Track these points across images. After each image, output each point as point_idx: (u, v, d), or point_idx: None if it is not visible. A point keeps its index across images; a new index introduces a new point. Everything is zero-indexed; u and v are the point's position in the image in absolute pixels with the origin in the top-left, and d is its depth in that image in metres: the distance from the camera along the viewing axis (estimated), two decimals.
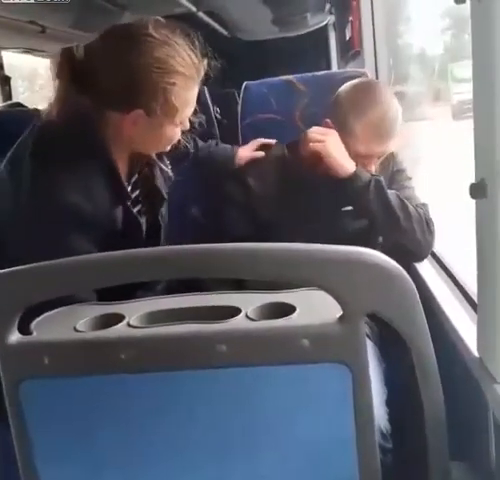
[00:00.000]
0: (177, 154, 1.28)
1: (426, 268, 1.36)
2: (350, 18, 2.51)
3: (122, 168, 1.14)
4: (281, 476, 0.73)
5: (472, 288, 1.14)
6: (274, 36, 3.51)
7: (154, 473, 0.74)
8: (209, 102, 1.67)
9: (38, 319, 0.78)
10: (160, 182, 1.24)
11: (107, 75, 1.04)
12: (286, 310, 0.74)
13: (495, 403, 0.80)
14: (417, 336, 0.70)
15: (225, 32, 3.34)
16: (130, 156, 1.17)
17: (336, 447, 0.72)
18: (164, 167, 1.26)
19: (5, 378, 0.71)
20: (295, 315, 0.72)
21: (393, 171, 1.40)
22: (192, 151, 1.44)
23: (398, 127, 1.28)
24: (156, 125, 1.08)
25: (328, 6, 3.20)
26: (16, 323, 0.70)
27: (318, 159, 1.22)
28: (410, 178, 1.40)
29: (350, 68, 2.71)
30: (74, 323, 0.75)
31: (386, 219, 1.22)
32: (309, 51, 3.83)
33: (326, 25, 3.67)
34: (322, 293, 0.68)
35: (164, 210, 1.25)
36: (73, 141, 1.04)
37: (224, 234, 1.33)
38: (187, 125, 1.14)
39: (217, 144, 1.53)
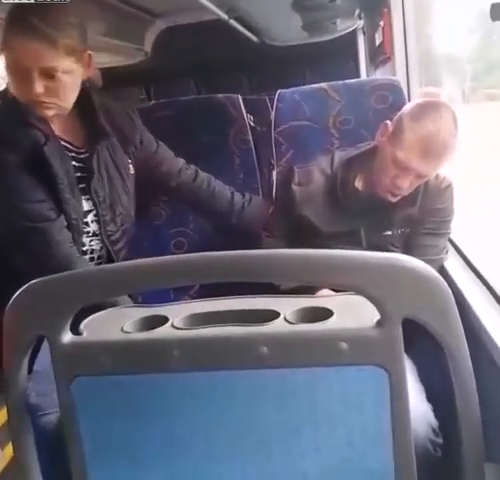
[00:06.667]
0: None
1: (459, 273, 1.37)
2: (380, 23, 2.51)
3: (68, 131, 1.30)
4: (320, 474, 0.76)
5: None
6: (303, 41, 3.52)
7: (199, 467, 0.78)
8: (243, 109, 1.70)
9: (86, 320, 0.83)
10: (103, 161, 1.35)
11: None
12: (323, 314, 0.76)
13: None
14: (453, 340, 0.71)
15: (254, 38, 3.36)
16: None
17: (373, 447, 0.74)
18: (122, 154, 1.38)
19: (58, 375, 0.76)
20: (333, 319, 0.74)
21: (431, 209, 1.40)
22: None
23: (447, 155, 1.29)
24: None
25: (357, 11, 3.21)
26: (69, 324, 0.75)
27: None
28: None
29: (379, 73, 2.72)
30: (121, 324, 0.79)
31: None
32: (338, 55, 3.83)
33: (355, 29, 3.66)
34: (356, 297, 0.71)
35: (96, 188, 1.34)
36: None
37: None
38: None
39: (251, 199, 1.64)
